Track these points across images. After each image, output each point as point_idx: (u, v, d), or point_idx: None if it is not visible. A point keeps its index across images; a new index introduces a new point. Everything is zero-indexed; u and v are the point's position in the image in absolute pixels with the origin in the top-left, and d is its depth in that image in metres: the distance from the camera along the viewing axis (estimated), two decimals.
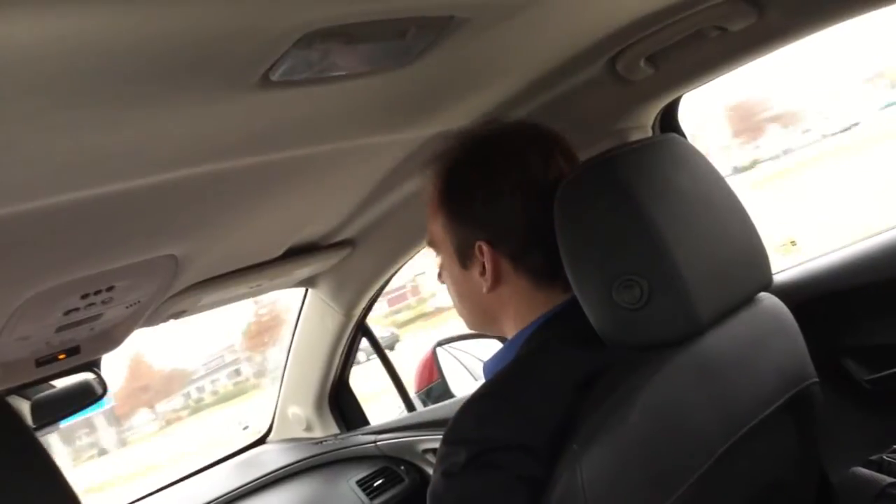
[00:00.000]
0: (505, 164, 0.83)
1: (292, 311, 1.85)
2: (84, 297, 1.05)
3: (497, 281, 0.83)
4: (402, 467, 1.78)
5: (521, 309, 0.84)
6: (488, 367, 0.89)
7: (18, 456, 0.60)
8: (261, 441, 2.11)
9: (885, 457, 0.86)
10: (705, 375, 0.72)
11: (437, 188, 0.87)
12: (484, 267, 0.83)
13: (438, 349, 1.90)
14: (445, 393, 1.86)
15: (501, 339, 0.92)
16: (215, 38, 0.57)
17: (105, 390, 1.46)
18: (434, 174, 0.88)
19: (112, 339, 1.31)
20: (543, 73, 1.02)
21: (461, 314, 0.92)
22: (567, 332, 0.79)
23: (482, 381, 0.83)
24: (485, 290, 0.84)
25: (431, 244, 0.91)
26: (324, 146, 0.96)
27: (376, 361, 1.90)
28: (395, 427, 1.80)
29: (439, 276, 0.93)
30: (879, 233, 1.13)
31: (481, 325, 0.92)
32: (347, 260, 1.57)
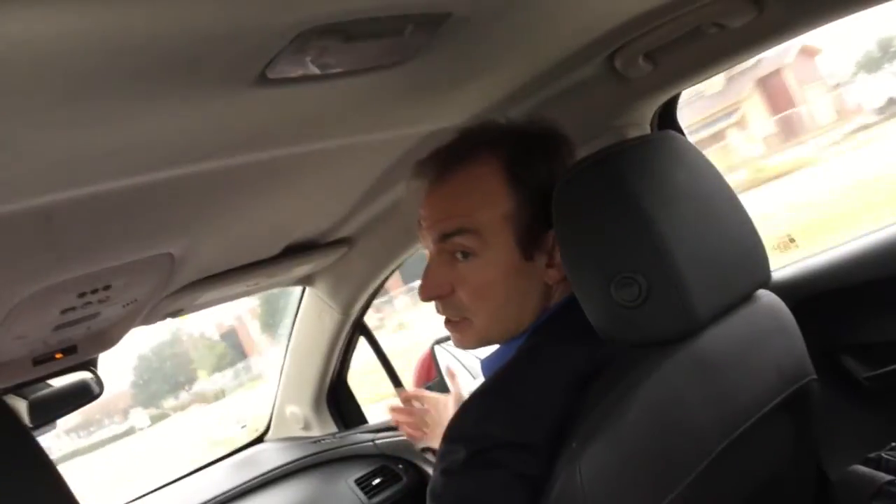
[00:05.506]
0: (560, 156, 0.85)
1: None
2: (81, 295, 1.05)
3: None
4: (401, 466, 1.78)
5: (538, 306, 0.83)
6: (486, 364, 0.88)
7: (15, 455, 0.60)
8: (258, 440, 2.11)
9: (883, 454, 0.86)
10: (704, 373, 0.72)
11: (505, 169, 0.81)
12: (551, 257, 0.81)
13: (437, 347, 1.89)
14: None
15: None
16: (212, 36, 0.56)
17: (102, 389, 1.46)
18: (497, 156, 0.81)
19: (109, 338, 1.31)
20: (541, 70, 1.01)
21: (486, 318, 0.83)
22: (566, 329, 0.79)
23: (481, 379, 0.83)
24: (550, 281, 0.82)
25: (469, 233, 0.80)
26: (321, 144, 0.95)
27: None
28: (394, 425, 1.80)
29: (446, 286, 0.83)
30: (878, 230, 1.13)
31: (504, 328, 0.84)
32: (345, 258, 1.57)
